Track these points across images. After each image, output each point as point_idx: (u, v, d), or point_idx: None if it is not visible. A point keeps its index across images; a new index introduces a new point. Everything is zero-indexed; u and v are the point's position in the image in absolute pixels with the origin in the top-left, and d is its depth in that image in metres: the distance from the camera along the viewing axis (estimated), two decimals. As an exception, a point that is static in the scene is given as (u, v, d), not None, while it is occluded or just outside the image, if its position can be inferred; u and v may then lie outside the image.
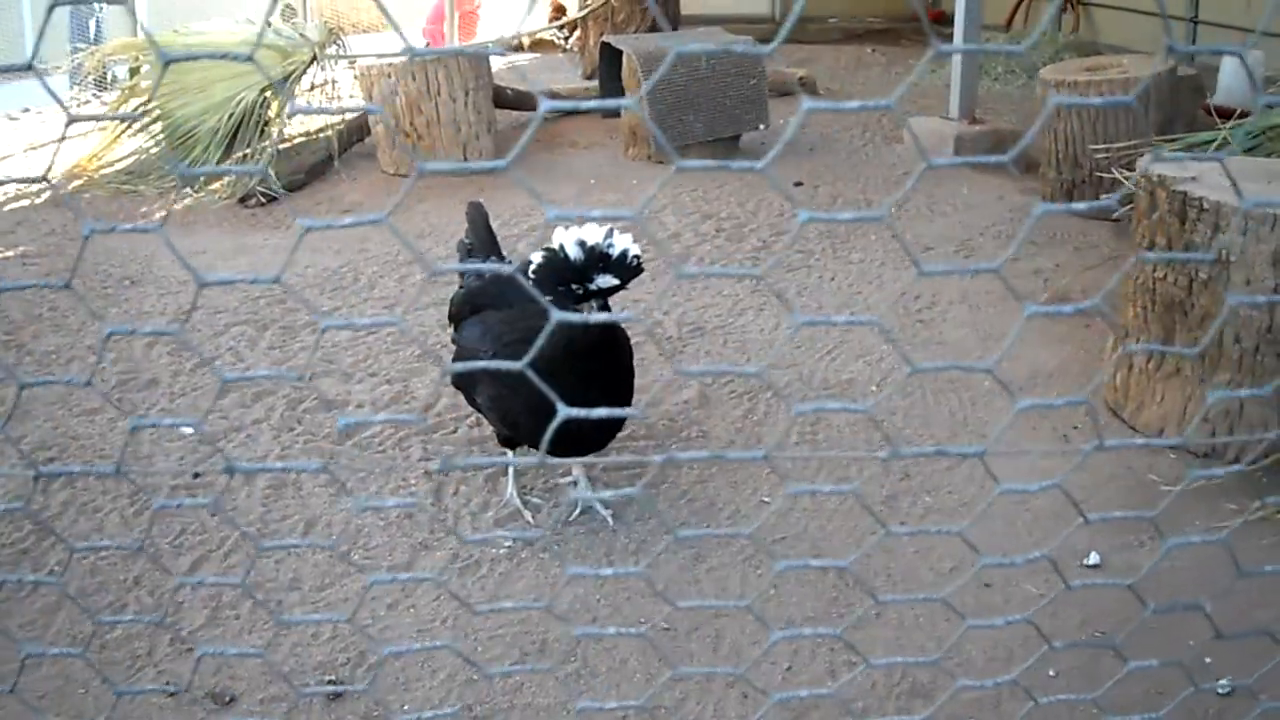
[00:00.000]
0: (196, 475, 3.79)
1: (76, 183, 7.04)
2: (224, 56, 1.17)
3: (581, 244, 3.19)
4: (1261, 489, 3.66)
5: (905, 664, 2.94)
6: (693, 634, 3.06)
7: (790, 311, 1.23)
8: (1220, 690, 2.88)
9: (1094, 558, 3.38)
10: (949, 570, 3.32)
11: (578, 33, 10.44)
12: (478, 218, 4.03)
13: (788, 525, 3.52)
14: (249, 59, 1.16)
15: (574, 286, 3.21)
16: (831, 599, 3.20)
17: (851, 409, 4.22)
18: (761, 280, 4.84)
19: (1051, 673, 2.93)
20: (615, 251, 3.21)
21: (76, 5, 9.26)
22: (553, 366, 2.87)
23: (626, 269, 3.26)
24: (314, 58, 7.27)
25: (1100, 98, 5.87)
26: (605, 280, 3.21)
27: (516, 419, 3.38)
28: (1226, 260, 3.73)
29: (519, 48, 11.47)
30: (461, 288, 3.87)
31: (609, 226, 3.27)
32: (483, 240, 3.96)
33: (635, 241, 3.28)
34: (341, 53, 7.64)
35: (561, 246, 3.20)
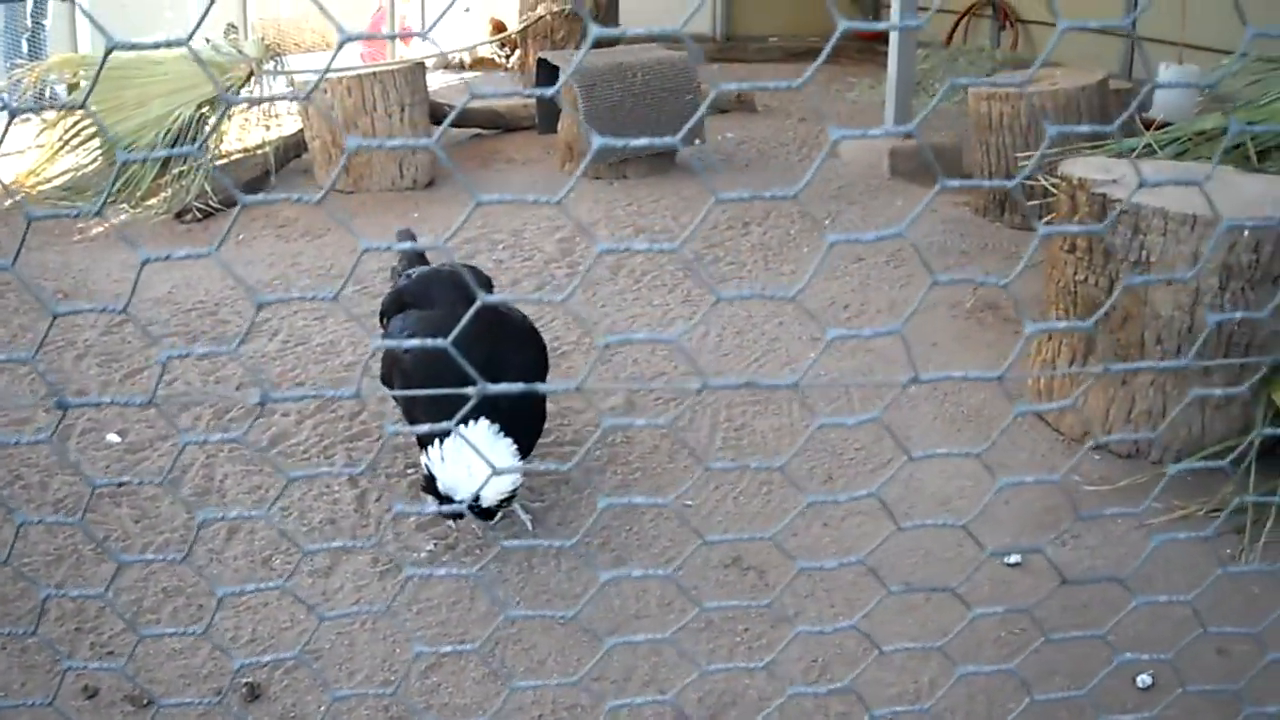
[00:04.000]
0: (121, 484, 3.77)
1: (12, 200, 7.00)
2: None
3: (448, 499, 3.25)
4: (1184, 488, 3.70)
5: (820, 661, 2.97)
6: (610, 636, 3.07)
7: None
8: (1141, 686, 2.91)
9: (1014, 557, 3.41)
10: (865, 571, 3.34)
11: (519, 51, 10.48)
12: (407, 240, 4.11)
13: (710, 526, 3.54)
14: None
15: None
16: (751, 598, 3.22)
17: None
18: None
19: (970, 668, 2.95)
20: (484, 503, 3.29)
21: (9, 25, 9.22)
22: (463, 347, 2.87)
23: (489, 514, 3.36)
24: (250, 74, 7.26)
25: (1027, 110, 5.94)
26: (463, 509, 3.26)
27: (425, 411, 3.37)
28: (1147, 261, 3.78)
29: (460, 66, 11.48)
30: (393, 289, 3.91)
31: (489, 473, 3.16)
32: (411, 261, 4.00)
33: (518, 484, 3.34)
34: (279, 69, 7.63)
35: (436, 480, 3.25)
